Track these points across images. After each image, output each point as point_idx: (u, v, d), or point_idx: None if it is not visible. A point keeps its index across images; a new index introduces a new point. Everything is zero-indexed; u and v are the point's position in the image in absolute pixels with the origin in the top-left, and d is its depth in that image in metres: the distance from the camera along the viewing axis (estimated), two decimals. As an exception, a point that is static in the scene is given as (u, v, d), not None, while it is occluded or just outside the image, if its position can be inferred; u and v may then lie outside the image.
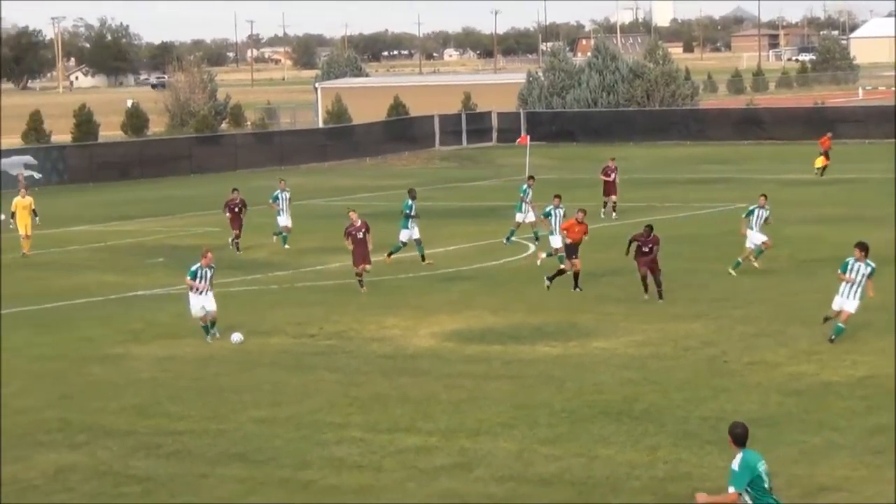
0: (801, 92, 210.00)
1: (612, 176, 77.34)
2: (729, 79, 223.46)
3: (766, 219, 57.83)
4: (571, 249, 53.29)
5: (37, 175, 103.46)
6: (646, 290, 50.19)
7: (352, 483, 29.83)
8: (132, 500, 29.48)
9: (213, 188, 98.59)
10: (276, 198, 69.30)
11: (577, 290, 52.76)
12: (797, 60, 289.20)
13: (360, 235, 52.34)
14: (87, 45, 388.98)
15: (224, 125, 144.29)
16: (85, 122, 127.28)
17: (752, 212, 57.15)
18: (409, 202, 61.99)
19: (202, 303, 44.76)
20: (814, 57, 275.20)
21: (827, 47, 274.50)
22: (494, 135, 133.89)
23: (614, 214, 74.46)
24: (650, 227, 49.71)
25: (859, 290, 42.75)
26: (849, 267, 43.07)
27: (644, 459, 30.94)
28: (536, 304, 50.77)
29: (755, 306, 49.24)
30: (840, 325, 42.58)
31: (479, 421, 34.85)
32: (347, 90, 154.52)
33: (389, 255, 61.11)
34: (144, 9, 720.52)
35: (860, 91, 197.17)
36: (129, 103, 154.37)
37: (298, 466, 31.51)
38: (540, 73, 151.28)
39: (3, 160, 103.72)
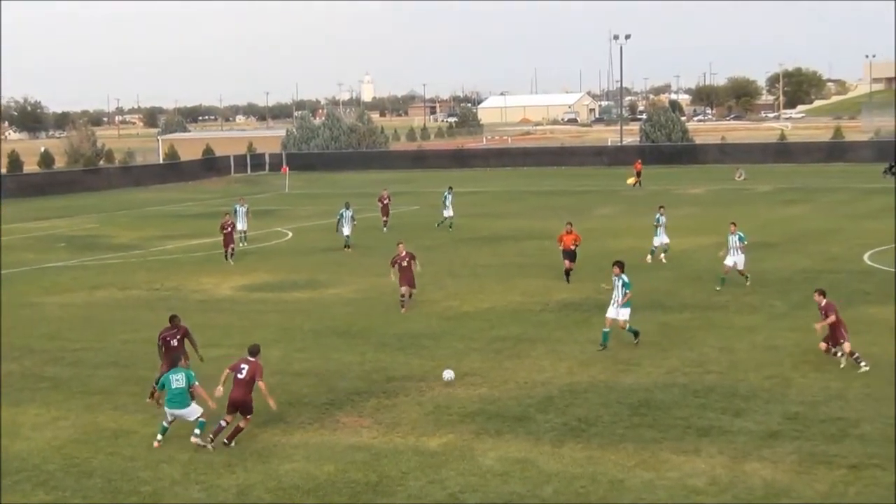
0: (450, 139, 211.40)
1: (386, 202, 66.56)
2: (407, 132, 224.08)
3: (665, 224, 48.47)
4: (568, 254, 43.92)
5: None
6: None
7: (182, 378, 29.50)
8: (45, 392, 28.75)
9: (95, 201, 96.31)
10: (235, 210, 59.60)
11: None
12: (447, 121, 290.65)
13: (405, 264, 39.54)
14: (16, 113, 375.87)
15: (102, 162, 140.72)
16: (14, 161, 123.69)
17: (657, 219, 48.36)
18: (343, 211, 57.35)
19: None
20: (457, 119, 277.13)
21: (464, 113, 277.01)
22: (267, 167, 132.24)
23: (385, 230, 64.39)
24: (177, 317, 28.15)
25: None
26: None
27: (358, 359, 31.00)
28: (293, 268, 50.53)
29: (427, 267, 49.48)
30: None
31: (260, 338, 34.53)
32: (178, 140, 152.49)
33: (346, 246, 56.25)
34: (52, 89, 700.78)
35: (484, 139, 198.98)
36: (42, 149, 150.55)
37: (151, 369, 30.86)
38: (294, 130, 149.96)
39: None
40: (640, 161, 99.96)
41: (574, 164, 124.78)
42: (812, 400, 25.82)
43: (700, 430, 23.61)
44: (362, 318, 37.81)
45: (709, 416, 24.68)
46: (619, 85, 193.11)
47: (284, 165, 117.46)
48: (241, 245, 57.70)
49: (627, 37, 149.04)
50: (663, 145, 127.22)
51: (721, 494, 20.07)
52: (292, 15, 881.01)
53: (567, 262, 43.66)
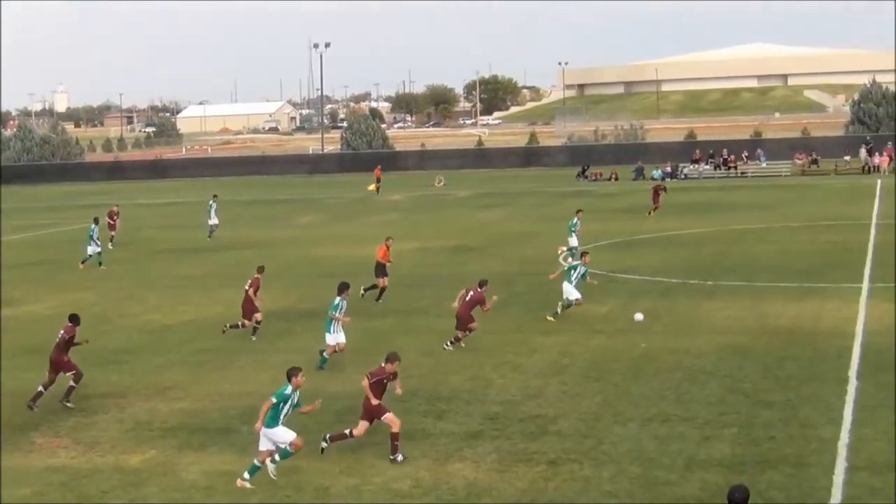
0: (148, 150, 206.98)
1: (115, 218, 61.70)
2: (103, 143, 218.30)
3: (579, 229, 48.78)
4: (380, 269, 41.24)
5: None
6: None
7: None
8: None
9: None
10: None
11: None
12: (144, 131, 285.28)
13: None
14: None
15: None
16: None
17: (574, 223, 48.80)
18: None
19: None
20: (155, 129, 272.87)
21: (162, 123, 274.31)
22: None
23: (111, 245, 59.53)
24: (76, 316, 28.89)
25: None
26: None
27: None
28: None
29: (124, 280, 48.50)
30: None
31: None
32: None
33: (83, 261, 52.60)
34: None
35: (184, 149, 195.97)
36: None
37: None
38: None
39: None
40: (379, 167, 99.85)
41: (275, 174, 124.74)
42: (511, 399, 26.54)
43: (404, 434, 23.86)
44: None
45: (412, 419, 25.03)
46: (319, 93, 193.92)
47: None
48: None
49: (327, 45, 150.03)
50: (363, 153, 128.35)
51: (425, 496, 20.40)
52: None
53: (383, 279, 41.09)
